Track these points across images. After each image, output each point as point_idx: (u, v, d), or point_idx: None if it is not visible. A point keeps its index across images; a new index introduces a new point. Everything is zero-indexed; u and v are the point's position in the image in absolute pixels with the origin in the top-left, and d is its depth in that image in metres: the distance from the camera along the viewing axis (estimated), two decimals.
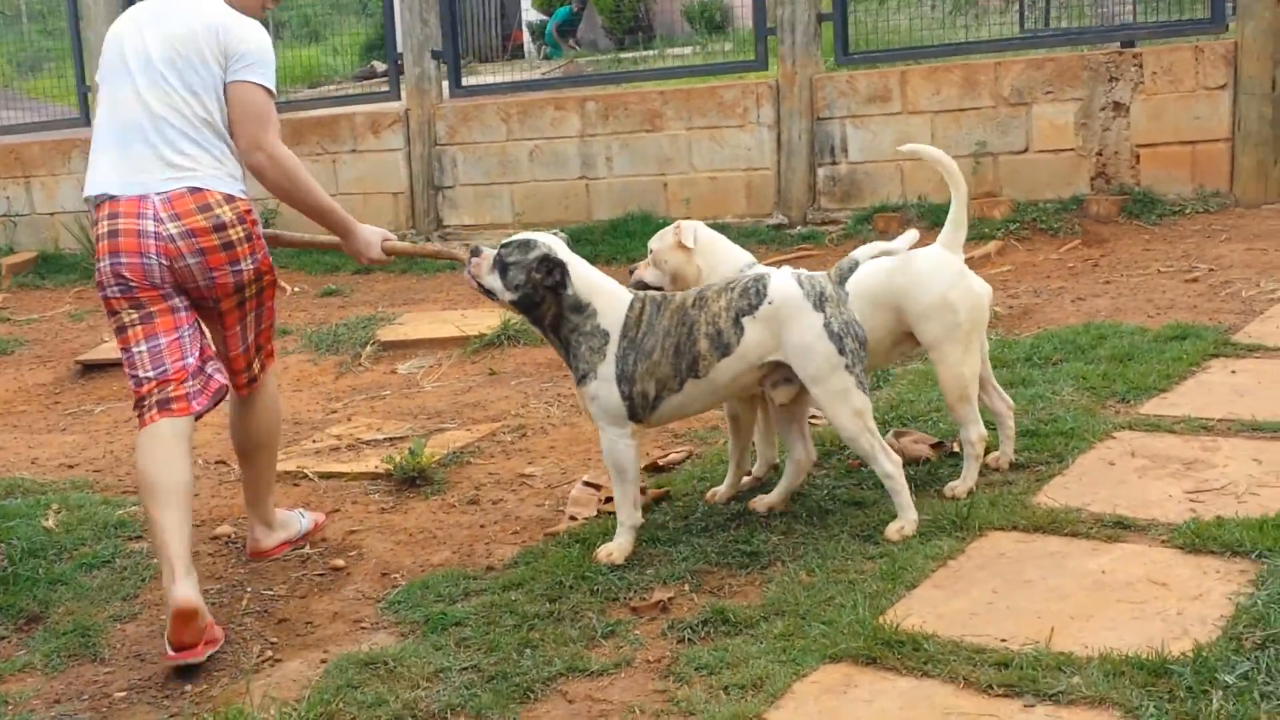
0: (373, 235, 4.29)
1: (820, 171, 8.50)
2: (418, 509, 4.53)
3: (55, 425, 5.98)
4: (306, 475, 4.92)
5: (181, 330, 3.89)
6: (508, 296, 3.87)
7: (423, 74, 9.25)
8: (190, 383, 3.87)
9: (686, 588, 3.54)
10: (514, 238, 3.94)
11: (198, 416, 3.92)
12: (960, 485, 3.98)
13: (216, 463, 5.25)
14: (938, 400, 4.73)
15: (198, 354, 3.90)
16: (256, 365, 4.19)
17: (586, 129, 8.92)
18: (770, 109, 8.50)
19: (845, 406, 3.73)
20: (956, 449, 4.20)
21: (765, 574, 3.60)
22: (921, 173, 8.14)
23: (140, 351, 3.87)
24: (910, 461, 4.15)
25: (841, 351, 3.71)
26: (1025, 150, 8.00)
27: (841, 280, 3.79)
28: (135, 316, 3.88)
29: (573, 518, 4.25)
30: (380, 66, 18.97)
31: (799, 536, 3.80)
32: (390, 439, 5.28)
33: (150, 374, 3.84)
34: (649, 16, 19.06)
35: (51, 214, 9.82)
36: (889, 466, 3.76)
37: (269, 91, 4.01)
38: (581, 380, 3.86)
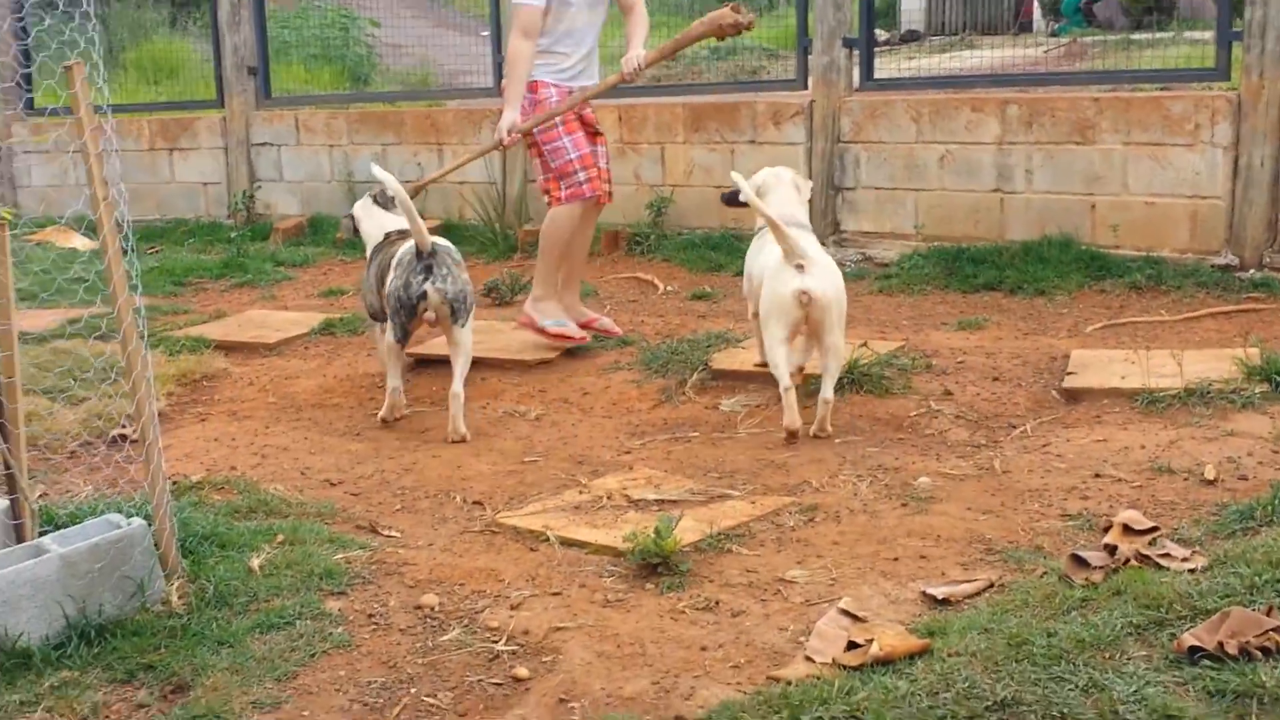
0: (504, 122, 6.29)
1: None
2: (644, 607, 3.79)
3: (351, 428, 5.65)
4: (548, 538, 4.29)
5: None
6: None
7: (831, 63, 8.39)
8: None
9: None
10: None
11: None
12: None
13: (473, 503, 4.73)
14: None
15: None
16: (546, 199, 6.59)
17: (1006, 135, 7.81)
18: (1228, 127, 7.10)
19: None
20: None
21: None
22: None
23: None
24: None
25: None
26: None
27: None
28: None
29: (809, 658, 3.41)
30: (881, 36, 18.30)
31: None
32: (663, 501, 4.56)
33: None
34: None
35: (460, 183, 9.68)
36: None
37: (518, 4, 6.21)
38: None
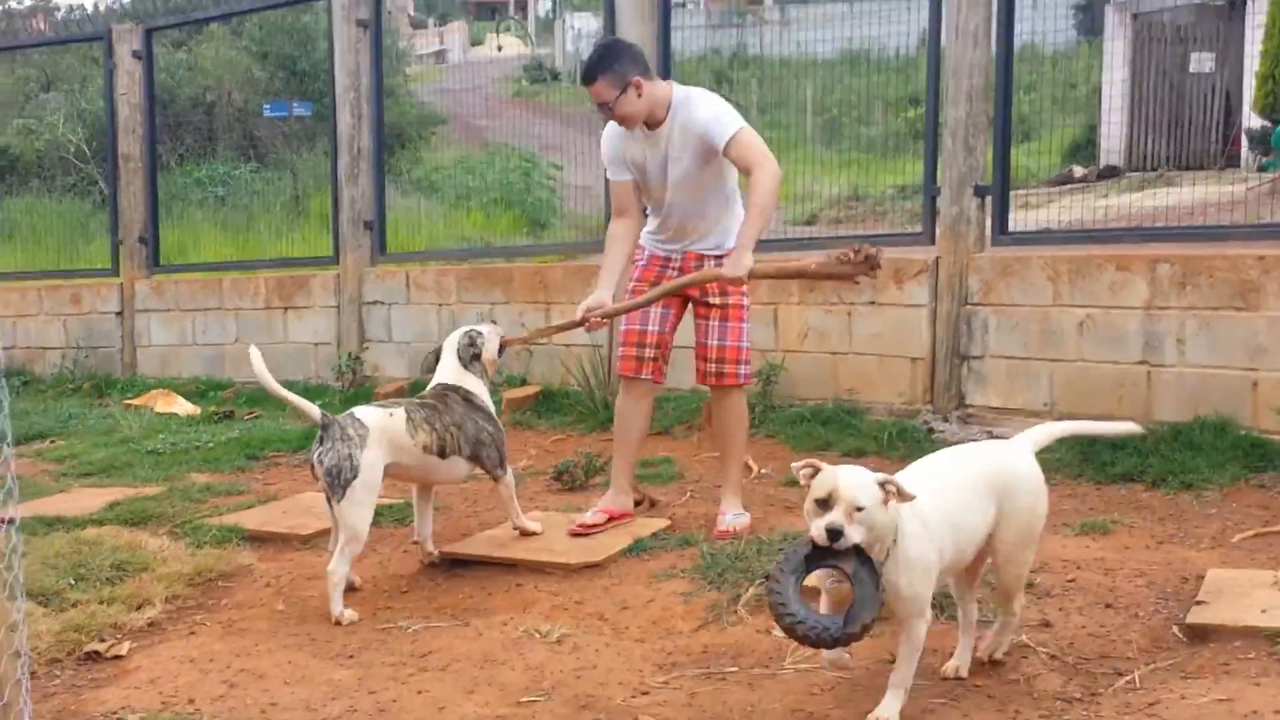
0: (589, 300, 5.76)
1: None
2: None
3: (346, 648, 4.92)
4: None
5: None
6: None
7: (960, 214, 7.56)
8: None
9: None
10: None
11: None
12: None
13: None
14: None
15: None
16: None
17: (1155, 299, 6.81)
18: None
19: None
20: None
21: None
22: None
23: None
24: None
25: None
26: None
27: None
28: None
29: None
30: (1078, 172, 17.31)
31: None
32: None
33: None
34: None
35: (567, 345, 9.06)
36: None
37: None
38: None
